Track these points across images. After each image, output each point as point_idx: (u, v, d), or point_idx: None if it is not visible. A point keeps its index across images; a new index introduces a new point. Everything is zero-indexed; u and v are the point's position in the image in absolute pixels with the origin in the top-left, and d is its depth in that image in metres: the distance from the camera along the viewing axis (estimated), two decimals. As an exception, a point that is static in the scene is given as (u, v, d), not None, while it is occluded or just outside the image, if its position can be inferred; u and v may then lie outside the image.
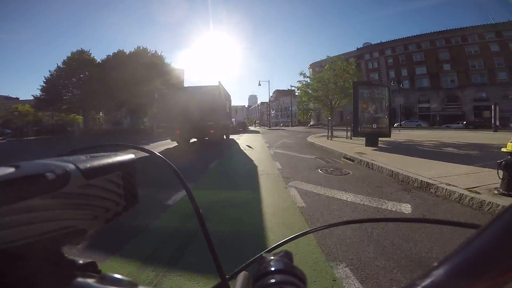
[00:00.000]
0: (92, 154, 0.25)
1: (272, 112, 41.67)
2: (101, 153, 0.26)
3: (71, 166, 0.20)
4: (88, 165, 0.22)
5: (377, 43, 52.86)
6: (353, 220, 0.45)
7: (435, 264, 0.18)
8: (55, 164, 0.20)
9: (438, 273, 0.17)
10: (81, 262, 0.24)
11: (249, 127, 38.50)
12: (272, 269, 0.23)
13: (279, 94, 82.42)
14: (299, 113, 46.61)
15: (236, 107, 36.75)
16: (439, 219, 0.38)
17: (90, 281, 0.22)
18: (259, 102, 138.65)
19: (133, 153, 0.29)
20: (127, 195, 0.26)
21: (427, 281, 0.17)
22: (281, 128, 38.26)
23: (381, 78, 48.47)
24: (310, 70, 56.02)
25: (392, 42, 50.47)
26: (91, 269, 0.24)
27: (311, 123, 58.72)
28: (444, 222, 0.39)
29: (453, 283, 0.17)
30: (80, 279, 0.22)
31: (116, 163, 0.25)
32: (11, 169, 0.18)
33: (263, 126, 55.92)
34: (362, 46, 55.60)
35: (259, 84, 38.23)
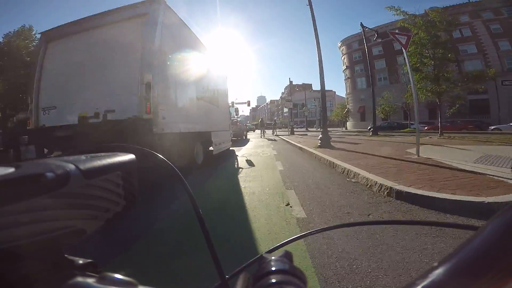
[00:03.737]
0: (92, 154, 0.25)
1: (285, 109, 26.42)
2: (101, 153, 0.26)
3: (71, 166, 0.20)
4: (88, 165, 0.22)
5: (454, 5, 30.22)
6: (354, 222, 0.45)
7: (435, 264, 0.18)
8: (55, 164, 0.20)
9: (438, 273, 0.17)
10: (81, 262, 0.24)
11: (247, 136, 18.44)
12: (272, 269, 0.23)
13: (291, 89, 73.11)
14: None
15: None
16: (437, 221, 0.40)
17: (90, 281, 0.22)
18: (268, 101, 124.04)
19: (133, 153, 0.28)
20: (127, 195, 0.26)
21: (427, 281, 0.17)
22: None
23: (485, 51, 29.68)
24: (342, 48, 43.62)
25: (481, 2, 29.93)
26: (91, 269, 0.24)
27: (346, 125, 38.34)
28: (443, 224, 0.40)
29: (453, 283, 0.16)
30: (80, 279, 0.22)
31: (116, 163, 0.25)
32: (11, 169, 0.18)
33: (279, 129, 30.95)
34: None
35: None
